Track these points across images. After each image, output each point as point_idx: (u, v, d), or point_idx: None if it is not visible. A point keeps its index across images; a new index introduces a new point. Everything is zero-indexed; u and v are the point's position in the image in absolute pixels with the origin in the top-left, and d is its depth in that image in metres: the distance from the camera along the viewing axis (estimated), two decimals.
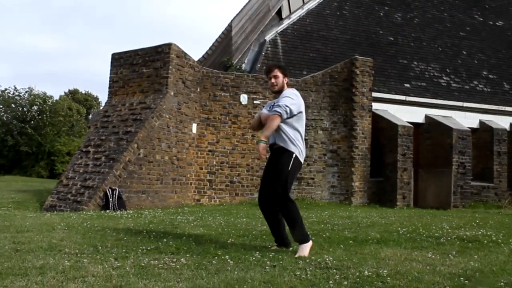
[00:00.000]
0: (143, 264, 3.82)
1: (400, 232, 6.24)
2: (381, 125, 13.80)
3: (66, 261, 3.82)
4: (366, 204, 12.91)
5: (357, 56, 13.68)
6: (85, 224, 6.59)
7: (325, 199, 13.09)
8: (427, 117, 15.26)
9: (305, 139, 12.80)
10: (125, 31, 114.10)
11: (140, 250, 4.46)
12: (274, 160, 4.75)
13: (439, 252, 4.80)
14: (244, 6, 15.52)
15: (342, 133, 13.32)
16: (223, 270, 3.63)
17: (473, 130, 15.62)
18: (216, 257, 4.14)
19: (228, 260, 3.99)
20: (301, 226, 4.56)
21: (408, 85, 16.07)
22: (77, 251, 4.37)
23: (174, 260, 4.02)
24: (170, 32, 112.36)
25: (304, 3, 17.30)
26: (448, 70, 17.64)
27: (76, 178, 10.59)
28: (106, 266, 3.73)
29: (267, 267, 3.75)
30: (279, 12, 16.49)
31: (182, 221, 7.19)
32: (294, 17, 16.89)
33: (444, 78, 17.24)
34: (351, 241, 5.40)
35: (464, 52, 19.03)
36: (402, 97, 15.17)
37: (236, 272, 3.54)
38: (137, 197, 10.53)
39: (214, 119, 12.58)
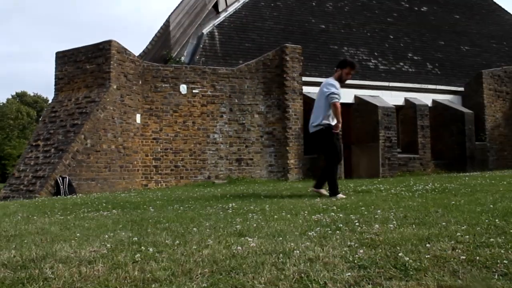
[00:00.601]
0: (81, 216, 4.83)
1: (309, 191, 7.44)
2: (311, 106, 15.04)
3: (19, 217, 4.79)
4: (301, 179, 14.14)
5: (287, 44, 14.88)
6: (36, 203, 7.49)
7: (264, 177, 14.26)
8: (356, 97, 16.66)
9: (243, 123, 14.11)
10: (69, 30, 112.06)
11: (81, 211, 5.45)
12: None
13: (327, 198, 6.00)
14: (181, 1, 16.43)
15: (277, 116, 14.50)
16: (144, 214, 4.68)
17: (399, 107, 17.18)
18: (139, 210, 5.19)
19: (150, 209, 5.04)
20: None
21: None
22: (29, 214, 5.32)
23: (108, 213, 5.04)
24: (115, 29, 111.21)
25: None
26: (376, 54, 19.11)
27: (28, 170, 11.34)
28: (52, 218, 4.72)
29: (179, 210, 4.83)
30: (215, 6, 17.48)
31: (123, 196, 8.18)
32: (231, 10, 17.92)
33: (372, 61, 18.71)
34: (262, 197, 6.55)
35: (391, 37, 20.55)
36: None
37: (153, 214, 4.60)
38: (87, 184, 11.38)
39: (156, 109, 13.49)
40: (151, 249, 2.72)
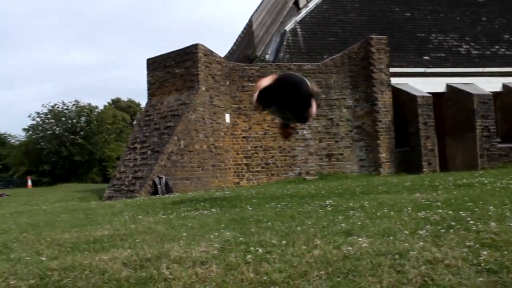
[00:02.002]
0: (183, 215, 4.97)
1: (405, 185, 7.16)
2: (401, 98, 14.55)
3: (127, 217, 5.03)
4: (394, 173, 13.71)
5: (372, 35, 14.46)
6: (138, 202, 7.85)
7: (355, 172, 13.98)
8: (448, 86, 15.85)
9: (331, 118, 13.89)
10: (155, 36, 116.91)
11: (182, 210, 5.62)
12: None
13: (427, 193, 5.73)
14: (262, 1, 16.52)
15: (365, 109, 14.15)
16: (243, 213, 4.73)
17: (496, 94, 16.10)
18: (237, 208, 5.25)
19: (248, 208, 5.08)
20: None
21: (427, 57, 16.68)
22: (133, 213, 5.57)
23: (208, 212, 5.15)
24: (198, 32, 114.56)
25: None
26: (467, 38, 18.06)
27: (127, 171, 11.95)
28: (156, 217, 4.91)
29: (277, 208, 4.83)
30: (296, 3, 17.40)
31: (219, 195, 8.35)
32: (311, 5, 17.76)
33: (464, 46, 17.70)
34: (357, 193, 6.39)
35: (484, 19, 19.33)
36: (421, 70, 15.84)
37: (252, 212, 4.63)
38: (182, 183, 11.78)
39: (244, 108, 13.68)
40: (260, 250, 2.71)
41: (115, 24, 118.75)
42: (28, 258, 3.01)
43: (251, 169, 13.36)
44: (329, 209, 4.75)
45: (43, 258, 2.95)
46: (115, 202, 9.05)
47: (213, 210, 5.49)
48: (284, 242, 2.92)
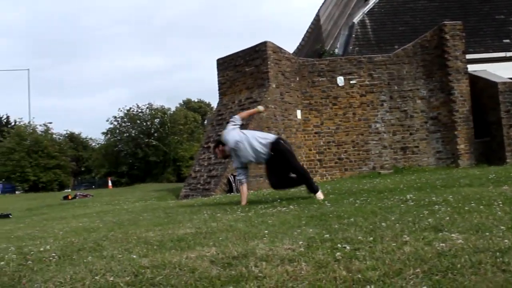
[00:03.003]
0: (261, 212, 4.98)
1: (489, 177, 6.79)
2: (480, 86, 13.82)
3: (206, 215, 5.12)
4: (474, 165, 13.07)
5: (445, 22, 13.84)
6: (214, 200, 7.99)
7: (432, 165, 13.47)
8: None
9: (405, 110, 13.43)
10: (220, 37, 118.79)
11: (258, 207, 5.64)
12: None
13: None
14: None
15: (441, 99, 13.59)
16: (322, 209, 4.67)
17: None
18: (315, 204, 5.20)
19: (326, 203, 5.02)
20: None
21: (507, 41, 15.74)
22: (212, 212, 5.67)
23: (286, 208, 5.13)
24: (264, 30, 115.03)
25: None
26: None
27: (202, 170, 12.21)
28: (235, 215, 4.95)
29: (356, 204, 4.73)
30: None
31: (294, 191, 8.32)
32: None
33: None
34: (438, 186, 6.14)
35: None
36: (502, 54, 14.99)
37: (331, 208, 4.57)
38: (256, 181, 11.85)
39: (315, 103, 13.57)
40: (347, 247, 2.65)
41: (180, 29, 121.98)
42: (120, 256, 3.12)
43: (324, 165, 13.23)
44: (411, 203, 4.58)
45: (134, 256, 3.04)
46: (192, 200, 9.27)
47: (291, 207, 5.46)
48: (371, 238, 2.84)
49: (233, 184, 11.27)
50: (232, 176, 11.30)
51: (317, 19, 15.69)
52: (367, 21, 16.44)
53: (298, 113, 13.50)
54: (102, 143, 46.83)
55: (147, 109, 45.14)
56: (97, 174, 46.03)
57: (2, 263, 3.17)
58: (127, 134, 43.68)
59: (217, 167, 11.81)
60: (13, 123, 53.89)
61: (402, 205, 4.53)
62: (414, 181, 7.97)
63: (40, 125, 41.59)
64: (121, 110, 44.50)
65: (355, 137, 13.40)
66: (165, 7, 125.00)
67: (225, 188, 11.32)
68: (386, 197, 5.55)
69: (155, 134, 43.95)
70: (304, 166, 13.16)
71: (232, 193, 10.82)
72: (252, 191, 10.71)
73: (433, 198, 4.84)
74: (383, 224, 3.39)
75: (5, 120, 65.00)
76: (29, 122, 41.46)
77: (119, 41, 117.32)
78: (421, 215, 3.65)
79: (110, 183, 35.05)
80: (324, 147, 13.34)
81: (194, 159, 13.16)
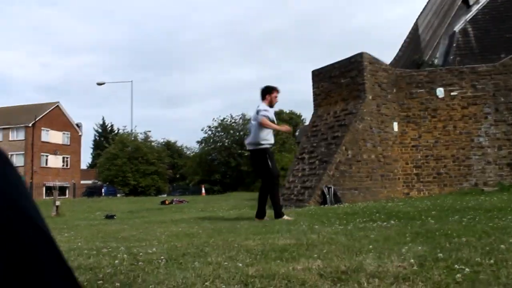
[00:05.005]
0: (360, 226, 4.86)
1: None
2: None
3: (304, 226, 5.08)
4: None
5: None
6: (310, 212, 7.93)
7: None
8: None
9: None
10: (314, 50, 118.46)
11: (357, 221, 5.51)
12: None
13: None
14: (428, 2, 15.69)
15: None
16: (426, 226, 4.45)
17: None
18: (417, 220, 4.97)
19: (430, 220, 4.78)
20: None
21: None
22: (308, 224, 5.62)
23: (386, 223, 4.97)
24: (360, 40, 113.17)
25: None
26: None
27: (296, 181, 12.19)
28: (333, 228, 4.87)
29: (463, 222, 4.45)
30: (465, 1, 16.18)
31: (391, 206, 8.05)
32: (483, 0, 16.35)
33: None
34: None
35: None
36: None
37: (436, 226, 4.34)
38: (350, 194, 11.63)
39: (413, 116, 13.08)
40: (466, 268, 2.49)
41: (273, 41, 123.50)
42: (225, 263, 3.16)
43: (421, 179, 12.69)
44: None
45: (240, 264, 3.07)
46: (287, 211, 9.27)
47: (392, 222, 5.28)
48: (491, 261, 2.64)
49: (327, 196, 11.13)
50: (326, 188, 11.18)
51: (415, 28, 15.17)
52: (470, 29, 15.62)
53: (395, 126, 13.08)
54: (197, 151, 48.42)
55: (240, 119, 46.03)
56: (191, 181, 47.59)
57: (116, 261, 3.34)
58: (221, 143, 44.76)
59: (311, 178, 11.75)
60: (116, 131, 57.59)
61: None
62: None
63: (141, 133, 43.94)
64: (215, 120, 45.74)
65: (456, 151, 12.71)
66: (261, 20, 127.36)
67: (319, 200, 11.21)
68: (496, 216, 5.20)
69: None
70: (400, 179, 12.73)
71: (326, 205, 10.69)
72: (346, 204, 10.52)
73: None
74: (501, 246, 3.16)
75: (109, 128, 69.64)
76: (131, 130, 43.95)
77: (215, 54, 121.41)
78: None
79: (203, 190, 36.12)
80: (422, 161, 12.79)
81: (288, 169, 13.18)
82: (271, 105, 6.97)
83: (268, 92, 6.97)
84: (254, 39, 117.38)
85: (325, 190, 11.18)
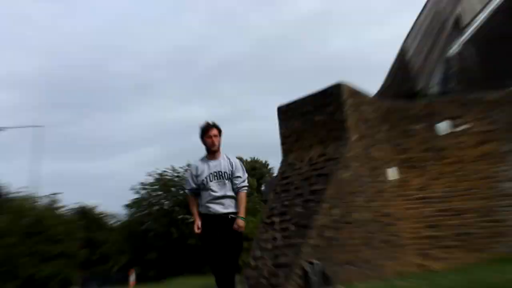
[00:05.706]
0: None
1: None
2: None
3: None
4: None
5: None
6: None
7: None
8: None
9: None
10: (280, 80, 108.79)
11: None
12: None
13: None
14: (414, 24, 13.87)
15: None
16: None
17: None
18: None
19: None
20: None
21: None
22: None
23: None
24: (335, 68, 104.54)
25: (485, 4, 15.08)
26: None
27: (265, 256, 9.29)
28: None
29: None
30: (457, 23, 14.50)
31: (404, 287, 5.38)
32: (478, 21, 14.70)
33: None
34: None
35: None
36: None
37: None
38: (343, 270, 8.82)
39: (413, 159, 10.84)
40: None
41: (227, 73, 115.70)
42: None
43: (438, 243, 10.06)
44: None
45: None
46: None
47: None
48: None
49: (311, 277, 8.26)
50: (309, 265, 8.33)
51: (402, 53, 13.22)
52: (468, 52, 13.81)
53: (390, 172, 10.64)
54: (124, 219, 40.00)
55: (186, 172, 39.37)
56: (116, 265, 37.69)
57: None
58: (158, 206, 37.24)
59: (287, 252, 8.87)
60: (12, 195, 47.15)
61: None
62: None
63: (47, 197, 34.35)
64: (150, 175, 37.52)
65: (477, 202, 10.29)
66: (210, 51, 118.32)
67: (301, 283, 8.31)
68: None
69: None
70: (410, 245, 10.12)
71: None
72: (340, 286, 7.70)
73: None
74: None
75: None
76: (32, 194, 33.93)
77: (157, 88, 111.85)
78: None
79: (132, 278, 27.02)
80: (436, 217, 10.24)
81: (253, 241, 10.18)
82: (208, 150, 5.30)
83: (201, 138, 5.35)
84: (204, 70, 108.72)
85: (308, 268, 8.35)
